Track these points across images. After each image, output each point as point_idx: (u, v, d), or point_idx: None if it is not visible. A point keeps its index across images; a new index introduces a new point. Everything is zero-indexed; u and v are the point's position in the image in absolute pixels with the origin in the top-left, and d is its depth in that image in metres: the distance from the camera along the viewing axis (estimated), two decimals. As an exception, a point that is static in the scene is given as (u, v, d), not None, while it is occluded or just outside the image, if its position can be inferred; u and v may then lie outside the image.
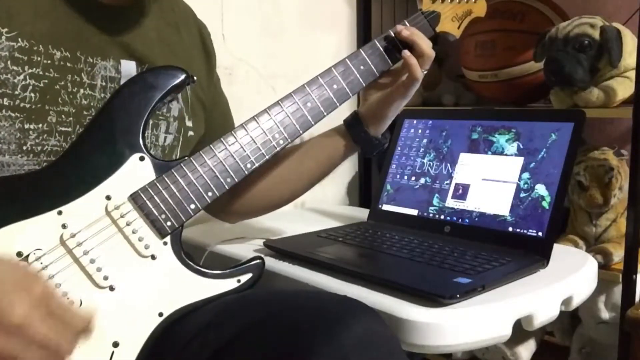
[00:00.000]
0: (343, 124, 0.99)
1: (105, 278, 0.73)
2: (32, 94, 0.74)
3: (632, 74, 1.18)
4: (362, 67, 0.90)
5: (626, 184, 1.26)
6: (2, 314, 0.57)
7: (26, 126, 0.74)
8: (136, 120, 0.77)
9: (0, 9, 0.72)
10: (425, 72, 0.93)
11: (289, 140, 0.85)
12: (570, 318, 1.47)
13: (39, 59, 0.75)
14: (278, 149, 0.84)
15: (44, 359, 0.59)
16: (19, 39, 0.73)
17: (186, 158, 0.79)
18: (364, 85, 0.90)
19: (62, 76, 0.76)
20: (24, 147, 0.74)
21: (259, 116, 0.83)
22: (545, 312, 0.85)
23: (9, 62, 0.72)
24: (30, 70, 0.74)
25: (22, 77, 0.73)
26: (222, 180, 0.80)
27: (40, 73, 0.75)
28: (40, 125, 0.75)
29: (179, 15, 0.94)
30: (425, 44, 0.91)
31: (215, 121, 0.99)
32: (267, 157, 0.83)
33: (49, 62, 0.75)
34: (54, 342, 0.60)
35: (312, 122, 0.87)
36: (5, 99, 0.72)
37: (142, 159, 0.77)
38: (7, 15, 0.73)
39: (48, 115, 0.76)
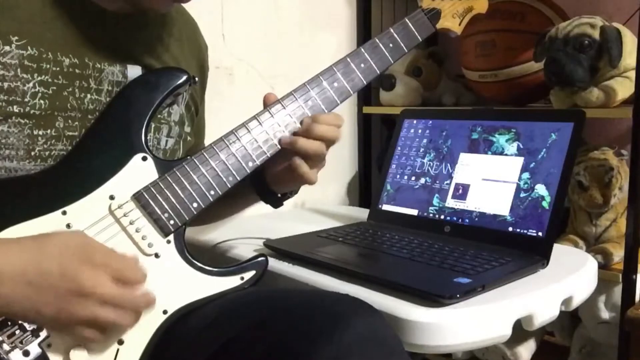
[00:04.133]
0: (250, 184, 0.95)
1: None
2: (42, 101, 0.74)
3: (632, 74, 1.18)
4: (362, 65, 0.89)
5: (626, 184, 1.26)
6: (73, 281, 0.63)
7: (35, 132, 0.74)
8: (139, 120, 0.78)
9: (9, 17, 0.72)
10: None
11: None
12: (570, 318, 1.48)
13: (48, 66, 0.74)
14: (279, 147, 0.84)
15: (120, 316, 0.66)
16: (29, 47, 0.73)
17: (188, 158, 0.79)
18: (364, 83, 0.90)
19: (70, 82, 0.76)
20: (32, 153, 0.74)
21: (259, 115, 0.83)
22: (545, 312, 0.86)
23: (18, 70, 0.72)
24: (39, 78, 0.74)
25: (31, 84, 0.73)
26: (224, 178, 0.80)
27: (50, 80, 0.75)
28: (48, 131, 0.75)
29: (184, 30, 0.94)
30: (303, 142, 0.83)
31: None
32: (267, 154, 0.83)
33: (58, 69, 0.75)
34: (126, 296, 0.67)
35: None
36: (15, 107, 0.72)
37: (144, 159, 0.77)
38: (16, 23, 0.72)
39: (56, 121, 0.76)
